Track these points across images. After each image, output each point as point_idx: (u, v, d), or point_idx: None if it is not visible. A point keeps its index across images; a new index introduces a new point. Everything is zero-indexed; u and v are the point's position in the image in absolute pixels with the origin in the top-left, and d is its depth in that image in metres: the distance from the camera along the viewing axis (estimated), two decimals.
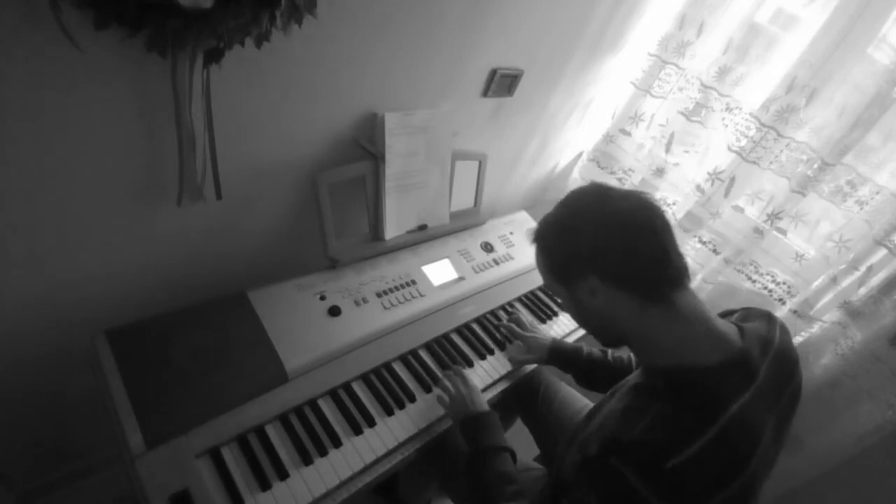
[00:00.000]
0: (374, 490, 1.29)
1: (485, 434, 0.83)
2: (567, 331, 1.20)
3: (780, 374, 0.67)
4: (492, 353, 1.06)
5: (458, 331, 1.08)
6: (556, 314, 1.22)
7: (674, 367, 0.64)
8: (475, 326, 1.11)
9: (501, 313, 1.18)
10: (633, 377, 0.73)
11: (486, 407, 0.88)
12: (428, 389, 0.94)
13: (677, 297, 0.64)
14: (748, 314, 0.76)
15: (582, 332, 1.22)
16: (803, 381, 0.72)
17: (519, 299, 1.22)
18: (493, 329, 1.12)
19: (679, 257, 0.65)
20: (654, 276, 0.64)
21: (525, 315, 1.19)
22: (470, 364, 1.02)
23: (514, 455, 0.84)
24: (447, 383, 0.91)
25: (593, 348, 1.03)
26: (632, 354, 1.00)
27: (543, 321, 1.19)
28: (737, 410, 0.58)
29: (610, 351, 1.02)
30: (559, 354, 1.04)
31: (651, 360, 0.68)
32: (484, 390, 0.99)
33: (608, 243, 0.64)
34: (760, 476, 0.61)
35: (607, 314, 0.68)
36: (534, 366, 1.09)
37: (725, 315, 0.80)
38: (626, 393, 0.68)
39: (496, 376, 1.02)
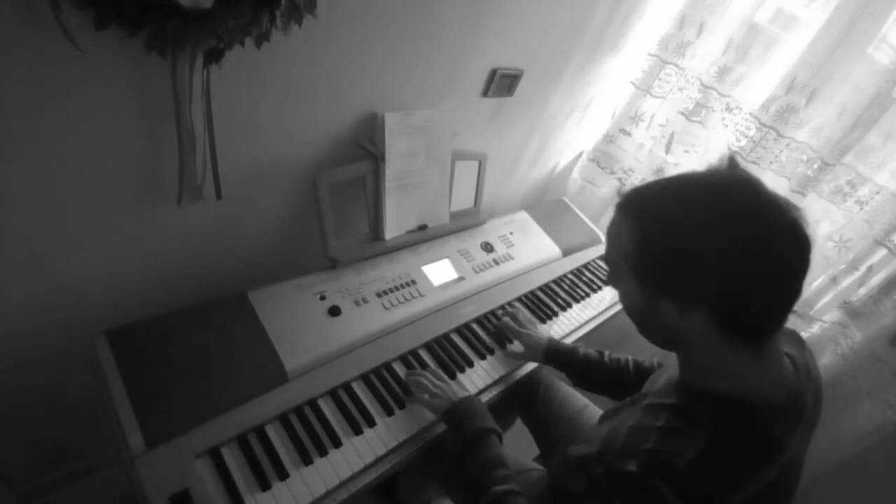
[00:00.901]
0: (374, 490, 1.29)
1: (470, 419, 0.80)
2: (567, 331, 1.20)
3: (817, 405, 0.64)
4: (492, 353, 1.06)
5: (458, 331, 1.08)
6: (555, 314, 1.22)
7: (731, 397, 0.56)
8: (475, 326, 1.11)
9: (501, 313, 1.18)
10: (661, 393, 0.64)
11: (465, 393, 0.87)
12: None
13: (769, 341, 0.56)
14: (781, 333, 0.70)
15: (581, 332, 1.22)
16: None
17: (519, 299, 1.22)
18: (493, 329, 1.12)
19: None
20: (770, 324, 0.54)
21: (524, 313, 1.19)
22: (470, 364, 1.02)
23: (500, 436, 0.80)
24: (419, 379, 0.88)
25: (590, 349, 1.02)
26: (630, 358, 0.99)
27: (543, 321, 1.19)
28: (793, 452, 0.56)
29: (607, 352, 1.01)
30: (555, 354, 1.01)
31: (701, 382, 0.59)
32: (484, 390, 0.99)
33: (748, 281, 0.50)
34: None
35: (680, 332, 0.56)
36: (533, 365, 1.08)
37: None
38: (657, 409, 0.61)
39: (496, 376, 1.01)
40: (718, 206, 0.52)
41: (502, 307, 1.18)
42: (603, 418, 0.79)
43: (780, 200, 0.51)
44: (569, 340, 1.18)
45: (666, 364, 0.81)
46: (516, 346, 1.06)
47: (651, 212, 0.56)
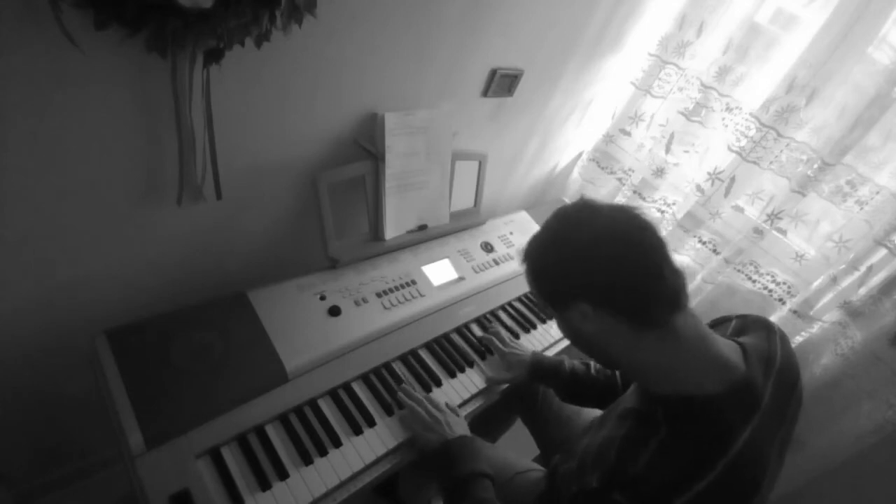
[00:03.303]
0: (374, 490, 1.29)
1: (464, 460, 0.78)
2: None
3: (783, 392, 0.64)
4: (492, 353, 1.06)
5: (458, 331, 1.08)
6: None
7: (673, 396, 0.60)
8: (475, 326, 1.11)
9: (501, 313, 1.18)
10: (629, 399, 0.69)
11: (465, 430, 0.84)
12: (428, 390, 0.94)
13: (675, 321, 0.60)
14: (745, 324, 0.73)
15: (568, 342, 1.22)
16: (804, 381, 0.71)
17: (519, 299, 1.22)
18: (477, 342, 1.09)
19: (676, 276, 0.60)
20: (649, 300, 0.59)
21: (525, 312, 1.19)
22: (470, 364, 1.02)
23: (493, 480, 0.79)
24: (413, 405, 0.85)
25: (576, 361, 1.00)
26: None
27: (543, 321, 1.19)
28: (743, 442, 0.56)
29: (593, 364, 0.99)
30: (540, 370, 0.98)
31: (650, 387, 0.64)
32: (484, 391, 0.99)
33: (597, 267, 0.60)
34: (766, 497, 0.60)
35: (601, 339, 0.64)
36: None
37: (720, 323, 0.77)
38: (623, 418, 0.64)
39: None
40: (557, 226, 0.66)
41: (502, 307, 1.19)
42: (585, 430, 0.79)
43: (605, 206, 0.64)
44: (568, 340, 1.18)
45: None
46: (495, 370, 1.02)
47: (530, 250, 0.69)
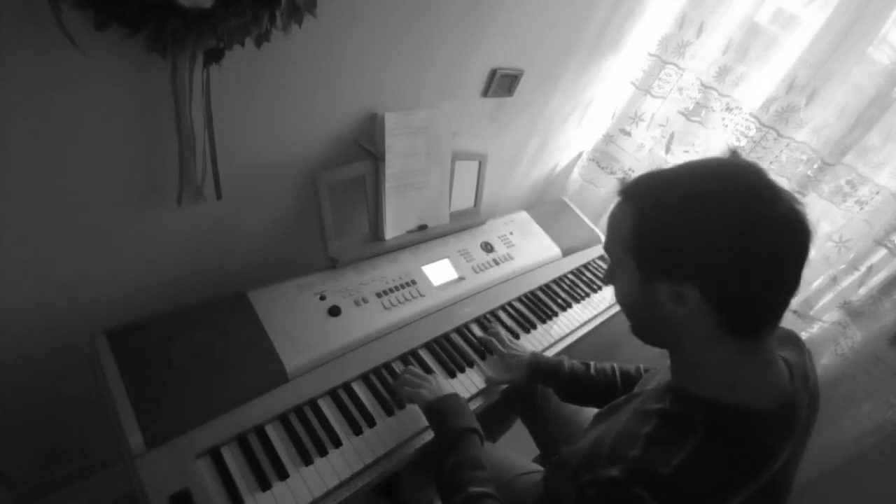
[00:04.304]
0: (375, 490, 1.29)
1: (451, 416, 0.79)
2: (567, 331, 1.20)
3: (813, 410, 0.62)
4: (492, 353, 1.06)
5: (458, 331, 1.08)
6: (555, 314, 1.22)
7: (722, 404, 0.55)
8: (475, 326, 1.11)
9: (501, 313, 1.18)
10: (651, 397, 0.63)
11: (449, 390, 0.85)
12: None
13: (766, 336, 0.54)
14: (778, 336, 0.66)
15: (580, 333, 1.22)
16: None
17: (519, 299, 1.22)
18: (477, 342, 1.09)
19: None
20: (769, 313, 0.53)
21: (525, 312, 1.19)
22: (470, 364, 1.02)
23: (481, 437, 0.78)
24: (407, 376, 0.87)
25: (574, 361, 0.99)
26: (616, 366, 0.97)
27: (543, 321, 1.19)
28: (779, 466, 0.54)
29: (593, 363, 0.98)
30: (539, 370, 0.97)
31: (693, 387, 0.58)
32: (484, 390, 0.99)
33: (747, 260, 0.49)
34: None
35: (674, 324, 0.56)
36: None
37: None
38: (645, 415, 0.59)
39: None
40: (716, 186, 0.52)
41: (502, 307, 1.19)
42: (597, 418, 0.78)
43: (782, 190, 0.51)
44: (569, 340, 1.18)
45: (656, 367, 0.80)
46: (494, 370, 1.01)
47: (649, 194, 0.56)
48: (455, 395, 0.84)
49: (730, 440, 0.53)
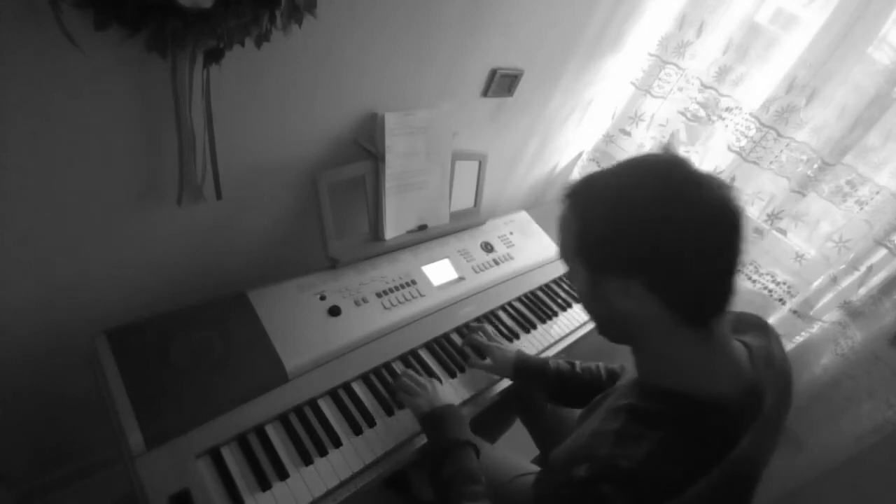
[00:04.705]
0: (387, 485, 1.29)
1: (447, 428, 0.78)
2: (567, 331, 1.20)
3: (780, 395, 0.62)
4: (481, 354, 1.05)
5: (459, 331, 1.08)
6: (555, 314, 1.22)
7: (684, 394, 0.56)
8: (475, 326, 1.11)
9: (501, 313, 1.18)
10: (621, 394, 0.65)
11: (450, 400, 0.84)
12: None
13: (717, 324, 0.56)
14: (741, 321, 0.69)
15: (580, 333, 1.22)
16: (803, 380, 0.70)
17: (519, 299, 1.22)
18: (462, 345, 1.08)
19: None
20: (713, 299, 0.54)
21: (525, 312, 1.19)
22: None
23: (477, 451, 0.78)
24: (405, 381, 0.86)
25: (560, 361, 0.98)
26: (602, 365, 0.97)
27: (543, 321, 1.19)
28: (742, 450, 0.53)
29: (578, 362, 0.97)
30: (525, 370, 0.96)
31: (657, 380, 0.60)
32: (484, 391, 0.99)
33: (679, 248, 0.51)
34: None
35: (630, 318, 0.57)
36: None
37: None
38: (615, 412, 0.60)
39: (497, 377, 1.01)
40: (642, 181, 0.55)
41: (502, 307, 1.19)
42: (579, 419, 0.78)
43: (707, 178, 0.53)
44: (569, 340, 1.18)
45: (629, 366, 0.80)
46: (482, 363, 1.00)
47: (584, 195, 0.59)
48: (451, 407, 0.82)
49: (693, 430, 0.54)
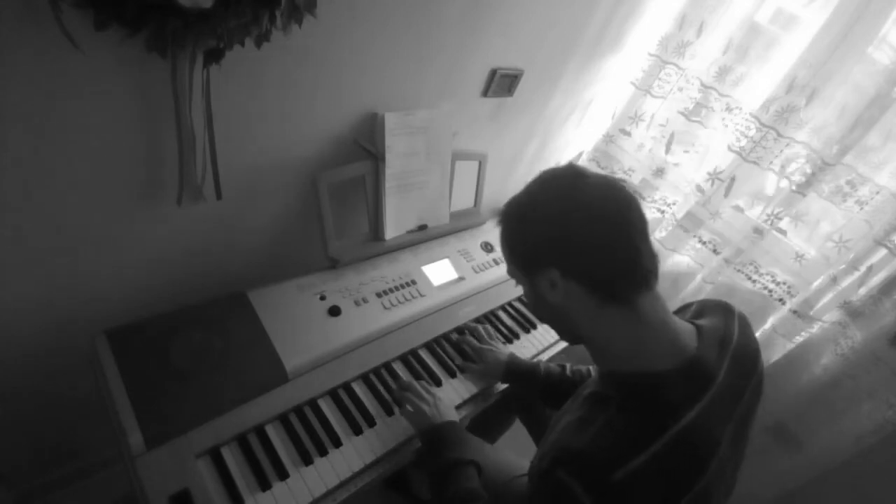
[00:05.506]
0: (387, 485, 1.29)
1: (451, 446, 0.78)
2: None
3: (740, 374, 0.64)
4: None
5: (459, 331, 1.08)
6: None
7: (628, 374, 0.61)
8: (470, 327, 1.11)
9: (501, 313, 1.18)
10: (589, 384, 0.70)
11: (452, 416, 0.84)
12: None
13: (641, 300, 0.61)
14: (704, 308, 0.73)
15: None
16: (803, 380, 0.71)
17: (519, 299, 1.22)
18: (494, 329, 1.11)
19: (651, 258, 0.61)
20: (620, 276, 0.60)
21: (526, 312, 1.19)
22: None
23: (479, 469, 0.78)
24: (408, 394, 0.86)
25: (551, 363, 0.98)
26: (591, 367, 0.96)
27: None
28: (689, 420, 0.55)
29: (568, 365, 0.97)
30: (515, 373, 0.97)
31: (608, 367, 0.66)
32: (483, 391, 0.99)
33: (574, 235, 0.60)
34: (716, 489, 0.58)
35: (565, 310, 0.64)
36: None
37: (682, 309, 0.77)
38: (582, 402, 0.64)
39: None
40: (542, 187, 0.67)
41: (502, 307, 1.19)
42: (557, 416, 0.79)
43: (594, 175, 0.63)
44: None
45: None
46: (471, 374, 1.00)
47: (506, 211, 0.70)
48: (452, 424, 0.82)
49: (636, 404, 0.58)
